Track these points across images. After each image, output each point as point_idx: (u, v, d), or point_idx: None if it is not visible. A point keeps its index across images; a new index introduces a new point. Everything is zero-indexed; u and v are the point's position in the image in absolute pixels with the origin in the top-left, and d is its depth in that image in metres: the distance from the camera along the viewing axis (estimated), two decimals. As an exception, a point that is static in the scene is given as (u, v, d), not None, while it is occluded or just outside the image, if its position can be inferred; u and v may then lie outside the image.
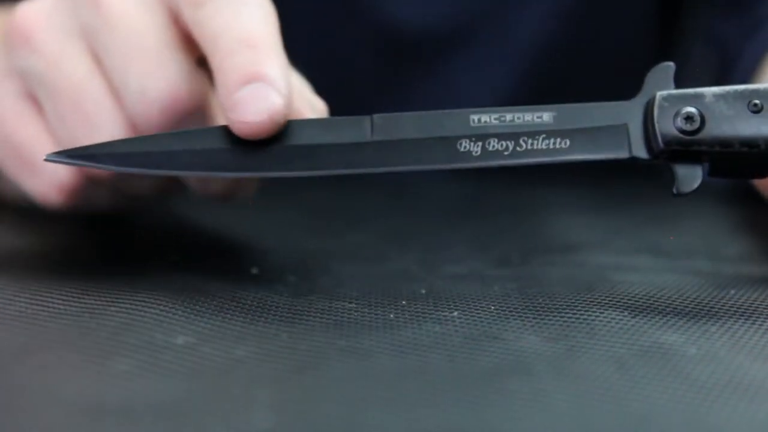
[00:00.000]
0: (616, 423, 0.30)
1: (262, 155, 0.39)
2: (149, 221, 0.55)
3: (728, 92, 0.39)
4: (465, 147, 0.39)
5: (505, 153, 0.39)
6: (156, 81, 0.41)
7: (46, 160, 0.40)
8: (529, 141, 0.39)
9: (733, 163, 0.39)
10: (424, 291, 0.42)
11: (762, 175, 0.40)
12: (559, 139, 0.39)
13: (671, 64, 0.40)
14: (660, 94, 0.39)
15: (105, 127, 0.42)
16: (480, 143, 0.39)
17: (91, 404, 0.30)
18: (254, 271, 0.45)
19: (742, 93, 0.39)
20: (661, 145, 0.39)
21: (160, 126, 0.41)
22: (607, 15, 0.69)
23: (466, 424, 0.29)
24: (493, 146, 0.39)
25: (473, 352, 0.35)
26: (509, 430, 0.29)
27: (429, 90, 0.68)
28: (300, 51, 0.69)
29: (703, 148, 0.38)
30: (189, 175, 0.41)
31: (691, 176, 0.39)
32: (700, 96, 0.39)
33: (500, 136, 0.39)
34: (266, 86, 0.39)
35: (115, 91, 0.42)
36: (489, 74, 0.68)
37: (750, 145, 0.38)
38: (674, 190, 0.39)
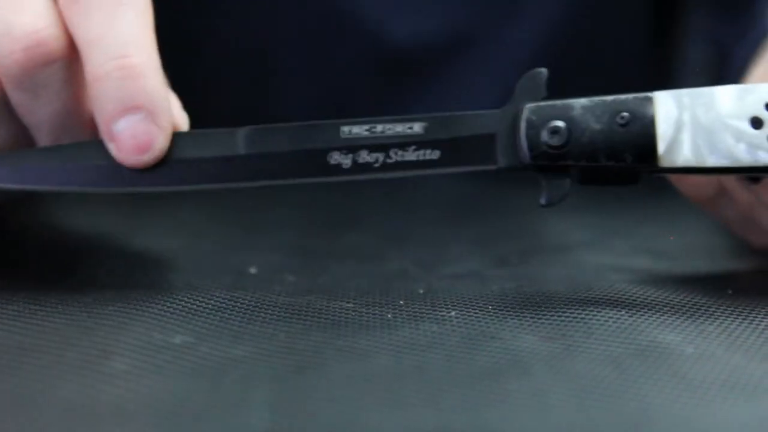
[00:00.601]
0: (612, 422, 0.30)
1: (135, 171, 0.39)
2: (147, 221, 0.55)
3: (596, 104, 0.38)
4: (335, 159, 0.39)
5: (376, 165, 0.39)
6: (22, 17, 0.39)
7: None
8: (399, 152, 0.39)
9: (601, 174, 0.39)
10: (422, 291, 0.42)
11: (632, 183, 0.39)
12: (429, 150, 0.39)
13: (543, 70, 0.40)
14: (528, 106, 0.39)
15: None
16: (350, 155, 0.39)
17: (89, 404, 0.30)
18: (252, 270, 0.45)
19: (610, 104, 0.38)
20: (528, 158, 0.38)
21: (23, 68, 0.39)
22: (602, 21, 0.69)
23: (463, 424, 0.29)
24: (364, 158, 0.39)
25: (471, 351, 0.35)
26: (506, 429, 0.29)
27: (424, 105, 0.68)
28: (295, 68, 0.69)
29: (570, 162, 0.38)
30: (62, 191, 0.40)
31: (558, 187, 0.38)
32: (568, 108, 0.38)
33: (370, 148, 0.39)
34: (144, 119, 0.39)
35: None
36: (483, 87, 0.68)
37: (616, 158, 0.38)
38: (542, 201, 0.39)
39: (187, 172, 0.39)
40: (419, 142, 0.39)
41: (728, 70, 0.62)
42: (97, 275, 0.44)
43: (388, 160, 0.39)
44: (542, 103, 0.39)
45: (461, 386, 0.32)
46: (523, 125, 0.38)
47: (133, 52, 0.39)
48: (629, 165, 0.38)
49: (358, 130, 0.39)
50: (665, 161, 0.38)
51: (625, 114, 0.38)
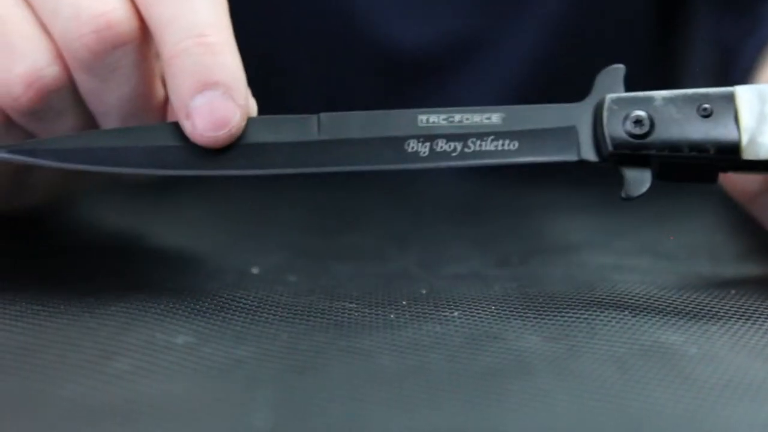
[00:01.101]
0: (616, 423, 0.30)
1: (208, 154, 0.39)
2: (150, 220, 0.55)
3: (678, 96, 0.39)
4: (413, 147, 0.39)
5: (453, 154, 0.39)
6: (90, 1, 0.39)
7: None
8: (477, 142, 0.39)
9: (682, 167, 0.39)
10: (424, 291, 0.42)
11: (711, 181, 0.40)
12: (507, 141, 0.39)
13: (621, 66, 0.40)
14: (609, 96, 0.39)
15: (30, 56, 0.39)
16: (428, 144, 0.39)
17: (92, 404, 0.30)
18: (254, 271, 0.45)
19: (691, 97, 0.38)
20: (610, 148, 0.38)
21: (93, 52, 0.39)
22: (605, 23, 0.69)
23: (466, 424, 0.29)
24: (441, 147, 0.39)
25: (474, 352, 0.35)
26: (510, 430, 0.29)
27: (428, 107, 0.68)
28: (299, 73, 0.69)
29: (652, 152, 0.38)
30: (133, 173, 0.40)
31: (639, 180, 0.39)
32: (650, 99, 0.39)
33: (448, 137, 0.39)
34: (223, 96, 0.38)
35: (44, 20, 0.40)
36: (487, 91, 0.68)
37: (699, 149, 0.38)
38: (622, 194, 0.39)
39: (260, 156, 0.39)
40: (497, 133, 0.39)
41: (734, 70, 0.62)
42: (100, 275, 0.44)
43: (466, 150, 0.39)
44: (624, 95, 0.39)
45: (464, 387, 0.32)
46: (605, 114, 0.39)
47: (211, 31, 0.39)
48: (711, 156, 0.38)
49: (435, 118, 0.39)
50: (748, 153, 0.38)
51: (707, 105, 0.38)
